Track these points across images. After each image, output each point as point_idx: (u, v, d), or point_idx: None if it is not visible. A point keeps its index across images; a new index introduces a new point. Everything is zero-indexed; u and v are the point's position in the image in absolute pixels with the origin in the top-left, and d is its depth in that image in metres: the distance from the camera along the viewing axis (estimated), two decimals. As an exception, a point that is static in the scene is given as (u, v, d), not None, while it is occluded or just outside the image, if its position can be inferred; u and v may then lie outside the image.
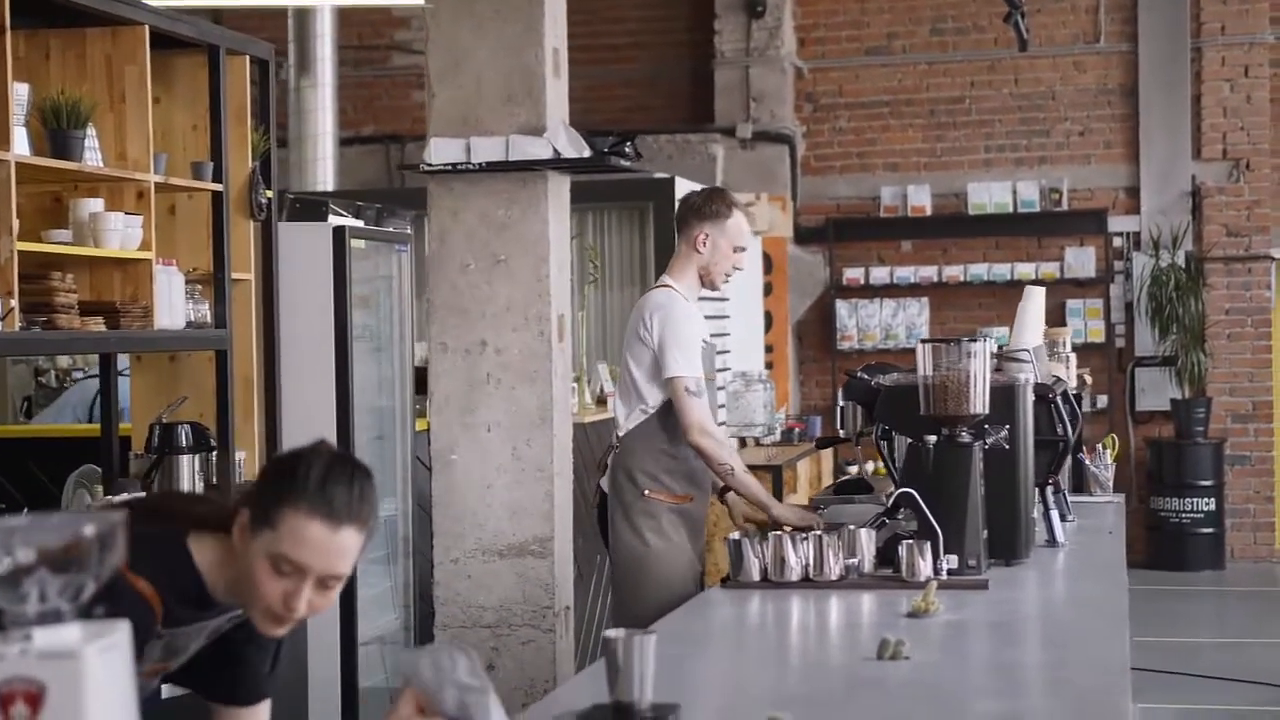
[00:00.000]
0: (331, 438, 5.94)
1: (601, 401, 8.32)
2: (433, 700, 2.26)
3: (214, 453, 5.43)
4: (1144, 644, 8.85)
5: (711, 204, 5.17)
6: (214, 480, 5.45)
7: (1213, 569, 11.68)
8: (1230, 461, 11.96)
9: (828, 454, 10.28)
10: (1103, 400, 12.01)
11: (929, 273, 12.28)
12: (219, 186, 5.43)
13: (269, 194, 5.77)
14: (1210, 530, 11.72)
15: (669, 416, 5.03)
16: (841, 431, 4.97)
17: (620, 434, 5.11)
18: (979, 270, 12.21)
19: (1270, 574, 11.79)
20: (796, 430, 10.34)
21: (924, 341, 4.27)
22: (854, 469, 9.50)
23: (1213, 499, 11.71)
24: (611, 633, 2.58)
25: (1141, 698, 7.54)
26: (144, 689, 2.62)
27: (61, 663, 1.68)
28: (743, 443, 10.00)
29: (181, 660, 2.67)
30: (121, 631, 1.76)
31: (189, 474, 5.26)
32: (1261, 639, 9.56)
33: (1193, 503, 11.68)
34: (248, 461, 5.69)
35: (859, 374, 4.83)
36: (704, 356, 5.12)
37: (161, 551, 2.55)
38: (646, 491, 5.03)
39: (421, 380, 5.93)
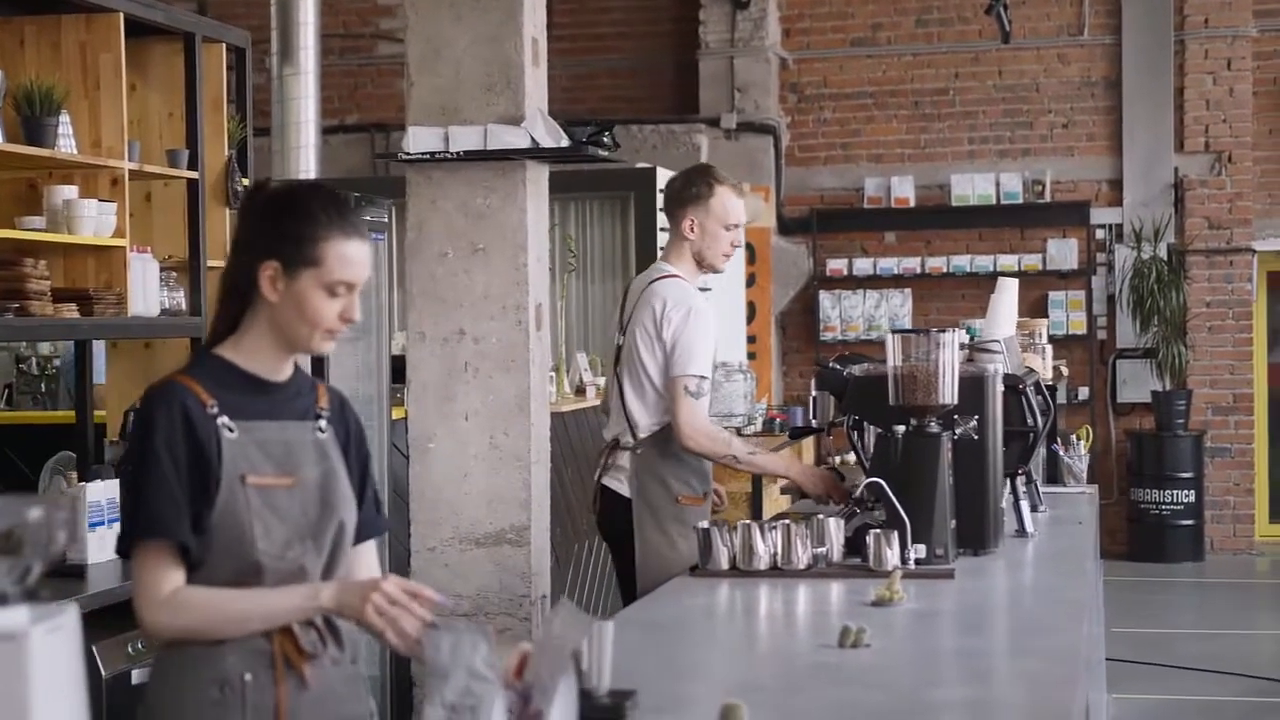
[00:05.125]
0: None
1: (580, 391, 8.32)
2: (435, 682, 2.28)
3: (188, 440, 5.43)
4: (1122, 635, 8.88)
5: (691, 186, 4.96)
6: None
7: (1192, 560, 11.73)
8: (1210, 453, 12.01)
9: (810, 444, 10.29)
10: (1084, 392, 12.05)
11: (912, 264, 12.30)
12: (194, 174, 5.44)
13: (245, 181, 5.77)
14: (1190, 522, 11.75)
15: None
16: (814, 422, 4.97)
17: (640, 434, 4.89)
18: (962, 262, 12.23)
19: (1249, 565, 11.84)
20: (779, 421, 10.35)
21: (894, 332, 4.29)
22: (837, 459, 9.51)
23: (1193, 491, 11.74)
24: (569, 620, 2.60)
25: (1117, 688, 7.56)
26: (286, 505, 2.73)
27: (6, 644, 1.70)
28: (724, 433, 10.01)
29: (299, 475, 2.78)
30: (68, 614, 1.78)
31: (163, 461, 5.25)
32: (1240, 630, 9.60)
33: (1173, 494, 11.71)
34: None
35: (831, 364, 4.85)
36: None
37: (195, 364, 2.83)
38: (680, 497, 4.88)
39: (399, 368, 5.91)
